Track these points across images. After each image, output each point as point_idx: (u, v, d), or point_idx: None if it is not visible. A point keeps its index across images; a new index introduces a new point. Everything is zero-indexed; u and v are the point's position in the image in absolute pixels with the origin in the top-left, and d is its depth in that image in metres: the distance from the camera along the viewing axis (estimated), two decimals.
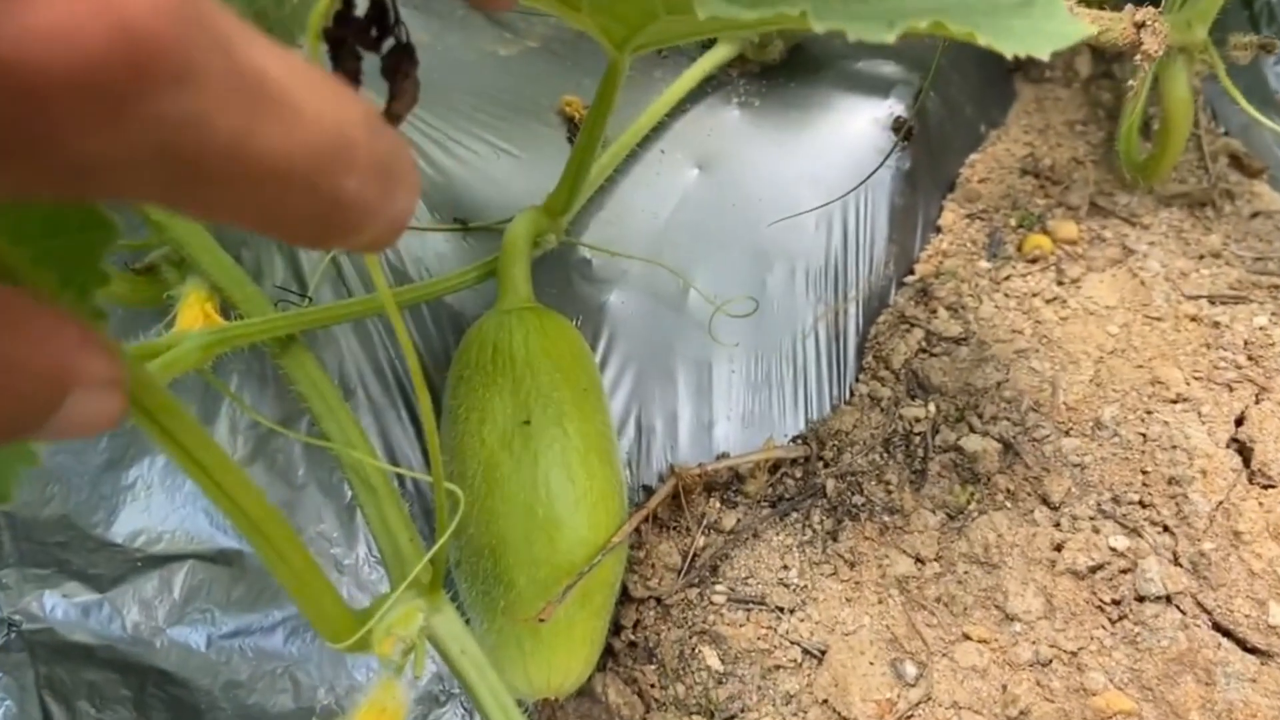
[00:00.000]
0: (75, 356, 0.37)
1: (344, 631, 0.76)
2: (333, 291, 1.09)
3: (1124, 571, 0.99)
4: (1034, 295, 1.18)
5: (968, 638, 0.99)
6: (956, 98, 1.30)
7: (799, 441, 1.11)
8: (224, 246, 1.01)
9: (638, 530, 1.04)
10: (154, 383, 0.53)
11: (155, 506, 1.04)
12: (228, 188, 0.31)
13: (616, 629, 1.03)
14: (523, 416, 0.94)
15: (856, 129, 1.21)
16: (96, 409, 0.38)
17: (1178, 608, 0.97)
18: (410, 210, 0.41)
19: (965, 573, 1.01)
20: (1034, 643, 0.97)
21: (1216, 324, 1.14)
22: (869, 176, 1.15)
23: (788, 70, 1.25)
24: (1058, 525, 1.02)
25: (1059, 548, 1.01)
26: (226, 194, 0.32)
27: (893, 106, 1.22)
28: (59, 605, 0.99)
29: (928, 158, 1.24)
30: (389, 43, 0.50)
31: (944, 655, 0.99)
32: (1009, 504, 1.04)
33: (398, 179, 0.39)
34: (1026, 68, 1.42)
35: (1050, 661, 0.96)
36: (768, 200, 1.16)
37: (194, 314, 0.99)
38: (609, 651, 1.02)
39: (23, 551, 1.02)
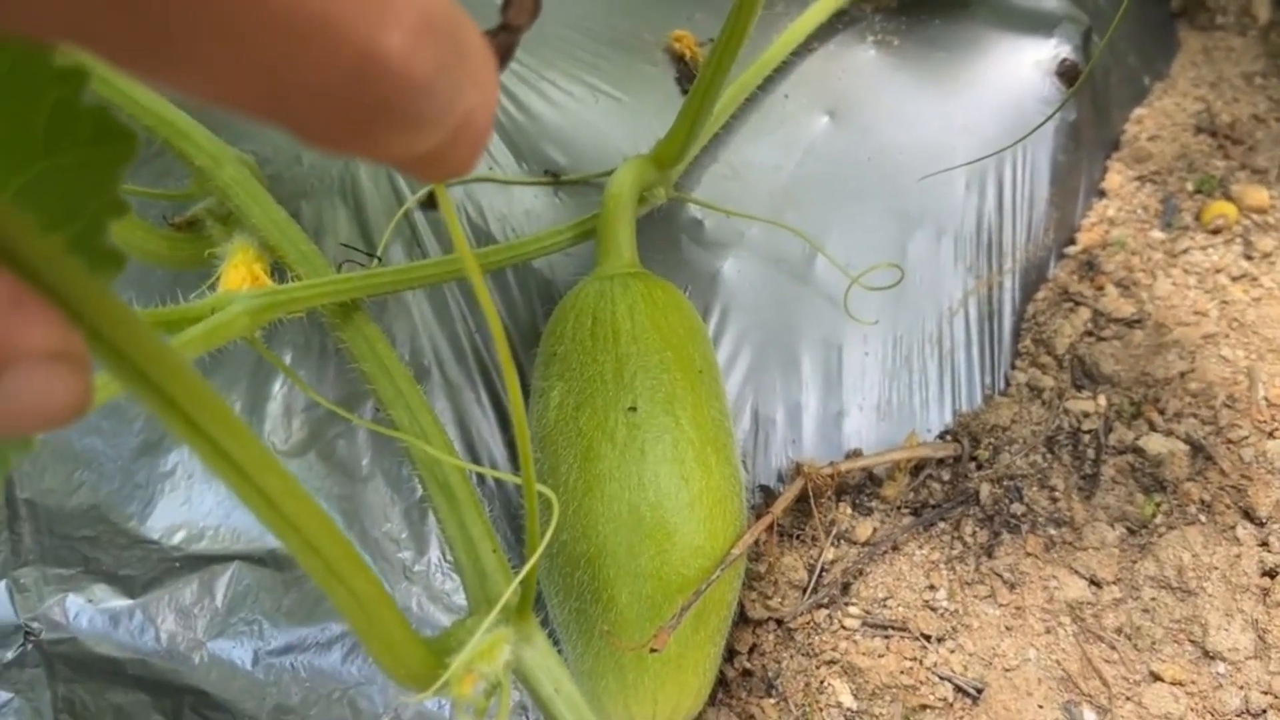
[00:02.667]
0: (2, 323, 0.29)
1: (416, 667, 0.61)
2: (405, 253, 0.94)
3: None
4: (1218, 271, 1.01)
5: (1158, 678, 0.82)
6: (1119, 43, 1.12)
7: (947, 438, 0.95)
8: (280, 200, 0.87)
9: (757, 540, 0.88)
10: (178, 361, 0.38)
11: (197, 498, 0.90)
12: (210, 32, 0.24)
13: (730, 655, 0.88)
14: (628, 402, 0.79)
15: (1014, 73, 1.03)
16: (39, 395, 0.30)
17: None
18: (486, 113, 0.33)
19: (1153, 599, 0.84)
20: (1243, 688, 0.80)
21: None
22: (1034, 130, 0.98)
23: (931, 3, 1.07)
24: (1265, 545, 0.85)
25: (1271, 574, 0.83)
26: (209, 44, 0.24)
27: (1057, 48, 1.04)
28: (84, 612, 0.85)
29: (1092, 111, 1.06)
30: None
31: (1128, 699, 0.82)
32: (1204, 518, 0.87)
33: (462, 55, 0.30)
34: (1193, 12, 1.24)
35: (1265, 712, 0.79)
36: (909, 154, 1.00)
37: (241, 275, 0.85)
38: (721, 681, 0.87)
39: (44, 547, 0.88)
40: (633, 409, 0.79)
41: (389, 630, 0.57)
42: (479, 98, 0.32)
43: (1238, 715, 0.79)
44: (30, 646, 0.83)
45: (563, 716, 0.68)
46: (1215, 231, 1.04)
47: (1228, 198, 1.06)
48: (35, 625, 0.85)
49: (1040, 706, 0.82)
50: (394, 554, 0.89)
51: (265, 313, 0.76)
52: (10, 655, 0.83)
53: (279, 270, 0.87)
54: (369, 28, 0.27)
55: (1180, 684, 0.81)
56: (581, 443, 0.80)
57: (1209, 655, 0.82)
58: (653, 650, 0.74)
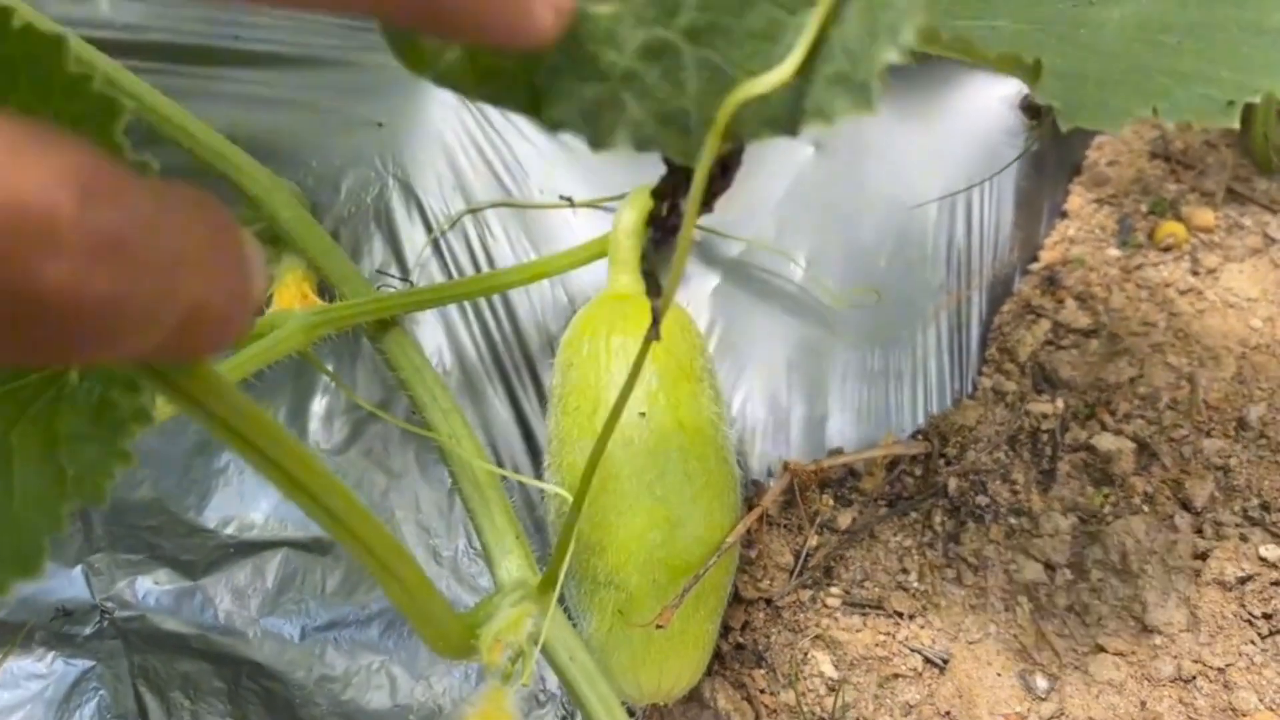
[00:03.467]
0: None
1: (452, 639, 0.72)
2: (439, 267, 1.05)
3: (1276, 584, 0.92)
4: (1168, 286, 1.11)
5: (1103, 650, 0.93)
6: None
7: (919, 437, 1.05)
8: (322, 225, 0.97)
9: (749, 529, 0.99)
10: (225, 385, 0.47)
11: (247, 492, 1.01)
12: None
13: (725, 631, 0.98)
14: (638, 408, 0.89)
15: (983, 107, 1.14)
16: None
17: None
18: (228, 297, 0.31)
19: (1100, 580, 0.95)
20: (1176, 657, 0.91)
21: None
22: (1007, 166, 1.08)
23: None
24: (1200, 532, 0.96)
25: (1203, 556, 0.94)
26: None
27: (1020, 84, 1.14)
28: (151, 592, 0.96)
29: (1053, 139, 1.17)
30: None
31: (1077, 668, 0.93)
32: (1146, 508, 0.98)
33: (167, 258, 0.28)
34: None
35: (1194, 678, 0.90)
36: (887, 182, 1.10)
37: (292, 293, 0.95)
38: (716, 654, 0.97)
39: (114, 535, 0.98)
40: (642, 414, 0.89)
41: (429, 607, 0.68)
42: (206, 287, 0.30)
43: (1171, 681, 0.90)
44: (106, 623, 0.94)
45: (577, 681, 0.79)
46: (1166, 249, 1.14)
47: (1178, 218, 1.16)
48: (109, 604, 0.95)
49: (999, 674, 0.93)
50: (426, 541, 0.99)
51: (318, 329, 0.87)
52: (89, 630, 0.94)
53: (324, 289, 0.97)
54: (25, 261, 0.24)
55: (1122, 654, 0.92)
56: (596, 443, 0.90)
57: (1147, 629, 0.92)
58: (659, 627, 0.85)
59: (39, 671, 0.91)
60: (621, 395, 0.93)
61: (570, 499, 0.80)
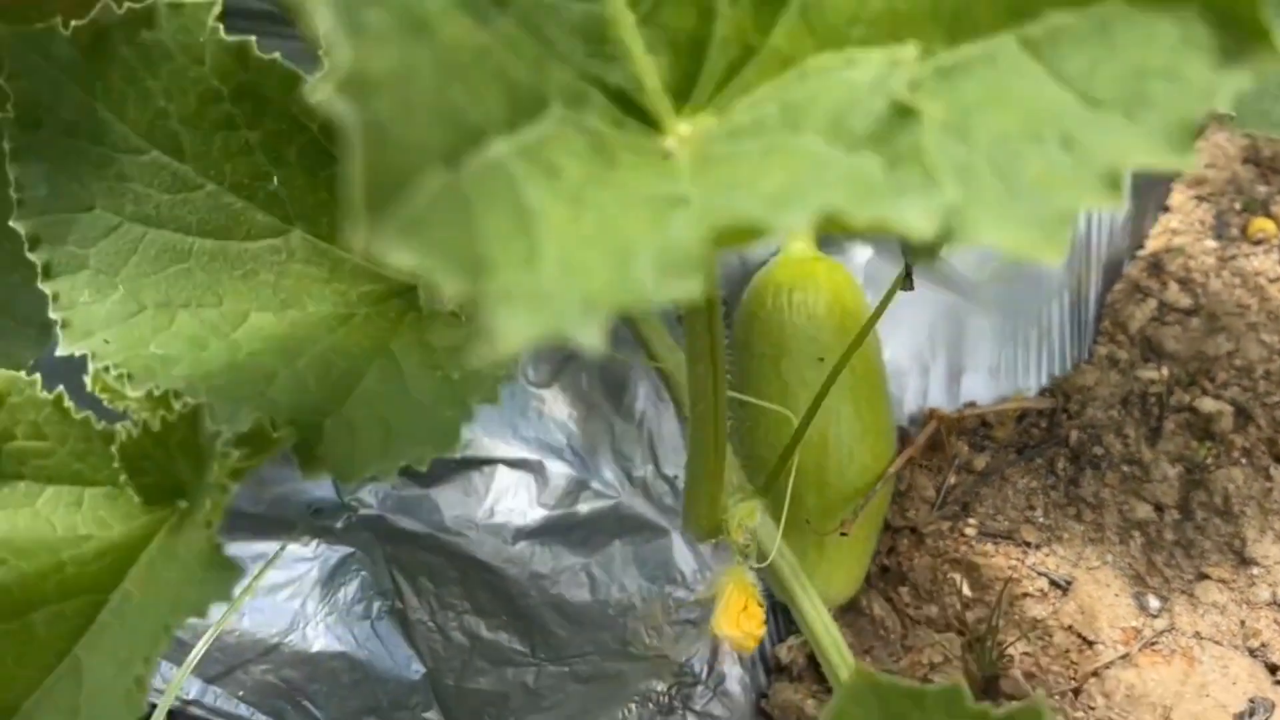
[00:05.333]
0: None
1: (707, 520, 0.88)
2: None
3: None
4: (1259, 274, 1.27)
5: (1207, 577, 1.08)
6: None
7: (1044, 395, 1.21)
8: None
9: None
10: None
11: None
12: None
13: (875, 554, 1.13)
14: (818, 354, 1.05)
15: None
16: None
17: None
18: None
19: (1204, 519, 1.11)
20: (1272, 585, 1.06)
21: None
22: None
23: None
24: None
25: None
26: None
27: None
28: (390, 495, 1.11)
29: None
30: None
31: (1184, 592, 1.08)
32: (1244, 460, 1.13)
33: None
34: None
35: None
36: None
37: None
38: (866, 575, 1.13)
39: None
40: (821, 359, 1.05)
41: (709, 495, 0.84)
42: None
43: (1267, 605, 1.06)
44: (354, 519, 1.10)
45: (781, 568, 0.95)
46: (1257, 243, 1.30)
47: (1268, 216, 1.32)
48: (354, 503, 1.11)
49: (1116, 595, 1.09)
50: (620, 463, 1.15)
51: None
52: (341, 524, 1.09)
53: None
54: None
55: (1224, 582, 1.08)
56: (779, 384, 1.06)
57: (1246, 561, 1.08)
58: (842, 533, 1.01)
59: (305, 555, 1.06)
60: (802, 343, 1.08)
61: (792, 418, 0.96)
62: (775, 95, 0.51)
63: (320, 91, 0.33)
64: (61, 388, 0.71)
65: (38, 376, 0.70)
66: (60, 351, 0.68)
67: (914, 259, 0.82)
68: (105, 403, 0.71)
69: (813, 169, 0.43)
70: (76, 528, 0.71)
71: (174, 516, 0.70)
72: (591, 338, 0.34)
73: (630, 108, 0.56)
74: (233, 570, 0.58)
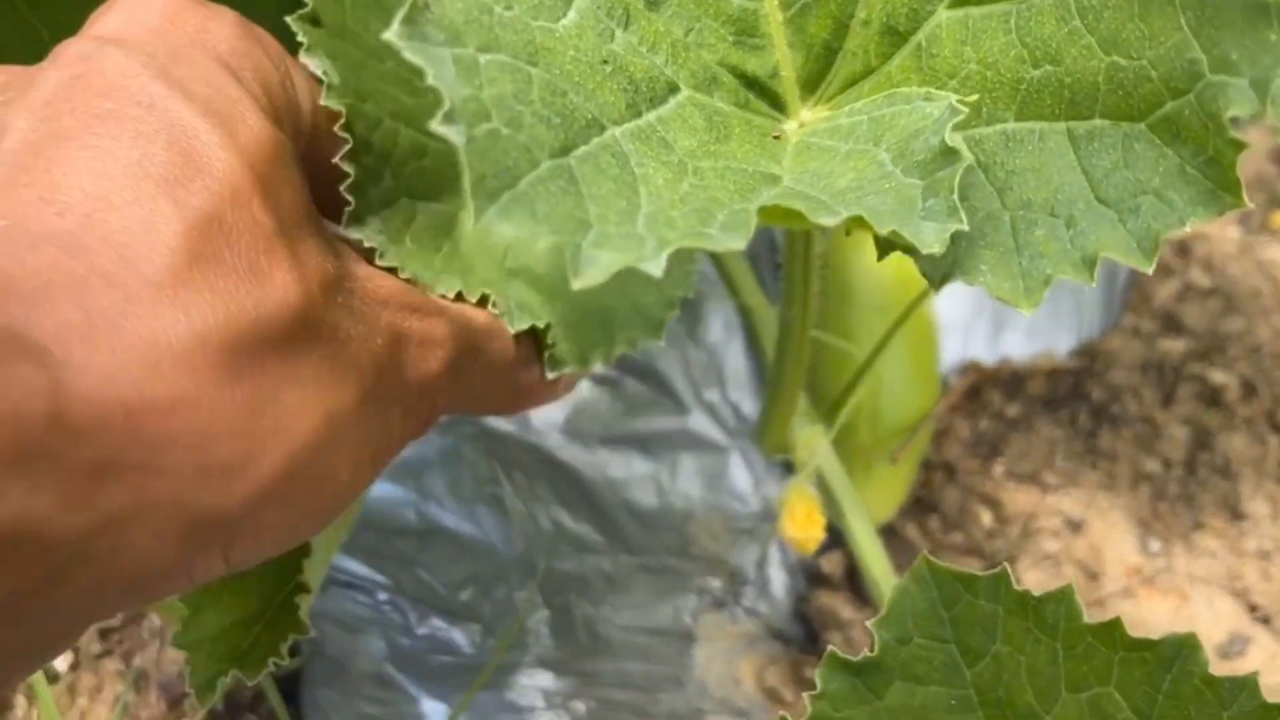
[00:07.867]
0: None
1: (782, 441, 1.02)
2: None
3: None
4: (1275, 264, 1.40)
5: (1203, 527, 1.23)
6: None
7: (1073, 356, 1.35)
8: None
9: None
10: None
11: None
12: None
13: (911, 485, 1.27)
14: (880, 304, 1.18)
15: None
16: None
17: None
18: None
19: (1205, 477, 1.25)
20: (1259, 538, 1.21)
21: None
22: None
23: None
24: None
25: None
26: None
27: None
28: None
29: None
30: None
31: (1182, 538, 1.23)
32: (1245, 428, 1.27)
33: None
34: None
35: (1270, 552, 1.20)
36: None
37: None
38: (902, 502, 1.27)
39: None
40: (882, 309, 1.18)
41: (784, 414, 0.98)
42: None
43: (1253, 554, 1.20)
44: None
45: (834, 487, 1.08)
46: (1276, 234, 1.43)
47: None
48: None
49: (1122, 535, 1.23)
50: (691, 388, 1.28)
51: None
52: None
53: None
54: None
55: (1218, 531, 1.22)
56: (843, 326, 1.20)
57: (1238, 516, 1.22)
58: (894, 460, 1.15)
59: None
60: (864, 295, 1.21)
61: (858, 356, 1.09)
62: (872, 109, 0.63)
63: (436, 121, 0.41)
64: None
65: None
66: None
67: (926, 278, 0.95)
68: None
69: (876, 179, 0.55)
70: None
71: None
72: (657, 269, 0.41)
73: (763, 91, 0.68)
74: None
